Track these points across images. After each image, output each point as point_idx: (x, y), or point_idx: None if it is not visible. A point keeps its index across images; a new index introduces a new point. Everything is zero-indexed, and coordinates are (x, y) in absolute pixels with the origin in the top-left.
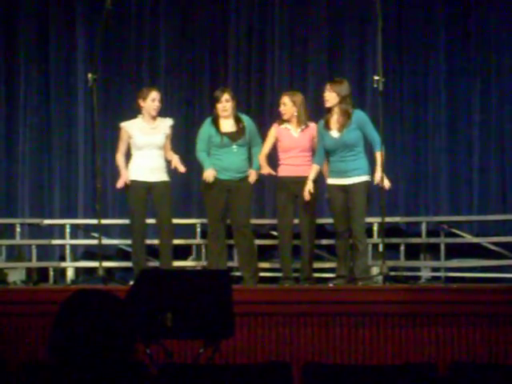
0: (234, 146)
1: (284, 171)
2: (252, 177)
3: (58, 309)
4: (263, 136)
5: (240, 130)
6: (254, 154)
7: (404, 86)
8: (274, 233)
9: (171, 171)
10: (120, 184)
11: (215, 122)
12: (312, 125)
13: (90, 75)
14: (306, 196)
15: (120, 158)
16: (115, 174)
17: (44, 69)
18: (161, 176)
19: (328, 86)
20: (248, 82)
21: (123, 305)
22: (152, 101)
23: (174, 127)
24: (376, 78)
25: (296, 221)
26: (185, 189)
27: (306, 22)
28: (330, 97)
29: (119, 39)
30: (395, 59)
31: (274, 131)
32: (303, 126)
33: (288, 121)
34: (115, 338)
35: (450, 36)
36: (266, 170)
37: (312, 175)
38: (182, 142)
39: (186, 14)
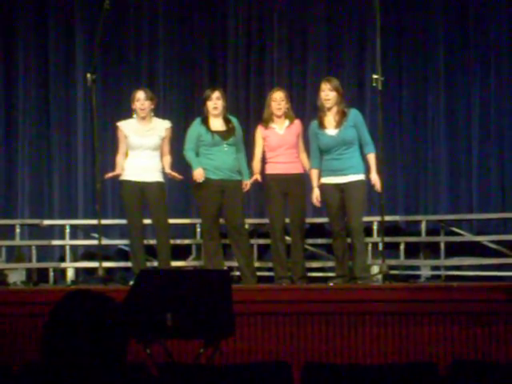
0: (225, 145)
1: (273, 169)
2: (246, 187)
3: (51, 309)
4: (251, 138)
5: (230, 130)
6: (240, 160)
7: (403, 85)
8: None
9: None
10: (109, 175)
11: (205, 121)
12: (297, 121)
13: (88, 75)
14: (317, 204)
15: (119, 157)
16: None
17: (43, 69)
18: (154, 176)
19: (328, 85)
20: (247, 81)
21: (116, 305)
22: (137, 101)
23: (172, 129)
24: (375, 76)
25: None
26: (184, 188)
27: (304, 20)
28: (332, 96)
29: (118, 39)
30: (394, 58)
31: (260, 134)
32: (288, 122)
33: (272, 120)
34: (106, 339)
35: (449, 34)
36: (255, 177)
37: (315, 181)
38: (180, 142)
39: (185, 14)
